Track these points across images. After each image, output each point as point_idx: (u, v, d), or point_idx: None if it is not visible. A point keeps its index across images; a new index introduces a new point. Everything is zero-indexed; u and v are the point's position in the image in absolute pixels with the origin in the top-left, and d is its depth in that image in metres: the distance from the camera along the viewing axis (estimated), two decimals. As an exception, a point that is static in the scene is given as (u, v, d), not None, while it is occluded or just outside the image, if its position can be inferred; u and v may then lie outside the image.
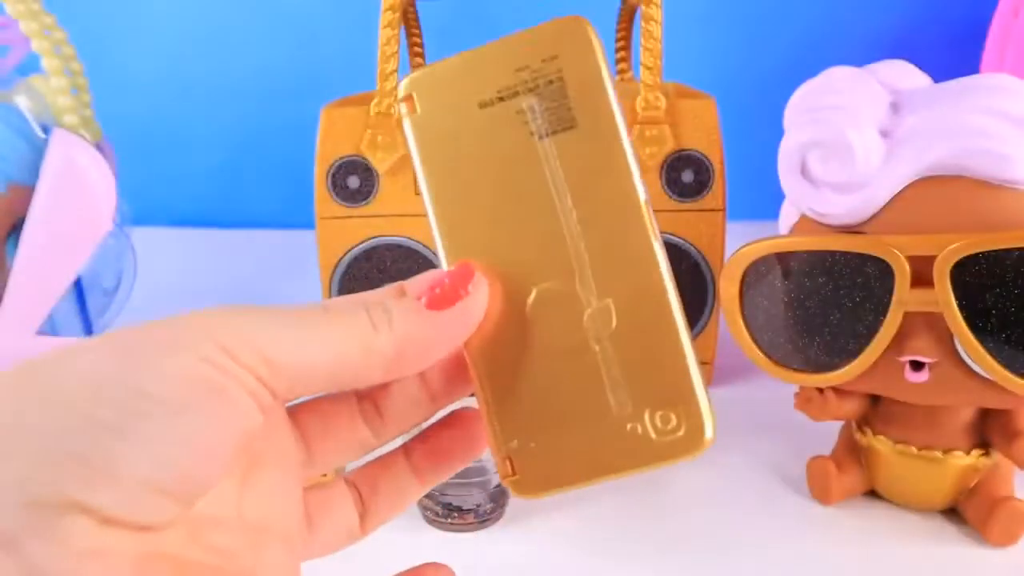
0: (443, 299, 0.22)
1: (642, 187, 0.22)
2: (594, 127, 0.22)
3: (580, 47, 0.22)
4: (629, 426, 0.21)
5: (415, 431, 0.26)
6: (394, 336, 0.21)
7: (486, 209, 0.23)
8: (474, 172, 0.22)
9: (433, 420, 0.26)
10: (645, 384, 0.21)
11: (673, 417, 0.21)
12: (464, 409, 0.25)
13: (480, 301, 0.22)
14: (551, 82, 0.22)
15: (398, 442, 0.26)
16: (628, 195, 0.22)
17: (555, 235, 0.22)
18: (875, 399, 0.44)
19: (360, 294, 0.22)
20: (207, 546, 0.20)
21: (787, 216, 0.46)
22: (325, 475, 0.25)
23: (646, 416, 0.21)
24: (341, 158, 0.56)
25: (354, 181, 0.56)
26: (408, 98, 0.22)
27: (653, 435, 0.21)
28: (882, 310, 0.40)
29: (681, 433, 0.21)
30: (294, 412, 0.24)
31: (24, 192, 0.52)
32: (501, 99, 0.22)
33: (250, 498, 0.21)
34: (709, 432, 0.21)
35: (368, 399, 0.24)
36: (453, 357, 0.23)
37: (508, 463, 0.22)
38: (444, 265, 0.23)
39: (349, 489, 0.25)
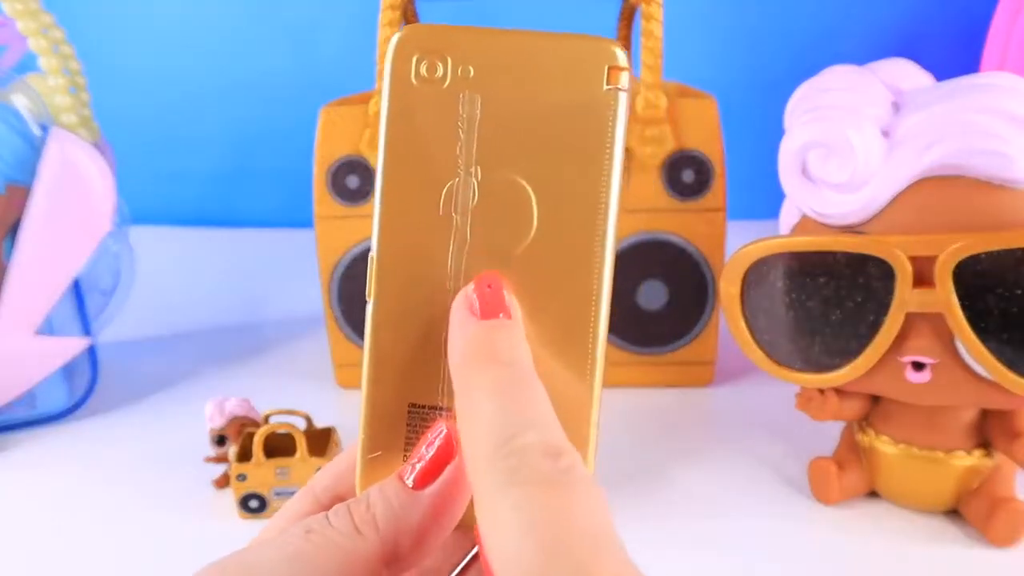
0: (426, 473, 0.20)
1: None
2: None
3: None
4: None
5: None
6: (380, 536, 0.19)
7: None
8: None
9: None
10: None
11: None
12: None
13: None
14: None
15: None
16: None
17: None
18: (876, 399, 0.44)
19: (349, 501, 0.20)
20: None
21: (788, 216, 0.46)
22: None
23: None
24: (340, 158, 0.56)
25: (353, 181, 0.56)
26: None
27: None
28: (883, 310, 0.40)
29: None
30: None
31: (22, 192, 0.52)
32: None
33: None
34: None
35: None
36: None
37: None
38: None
39: None
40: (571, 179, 0.19)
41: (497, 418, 0.18)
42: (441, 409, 0.20)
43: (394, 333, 0.20)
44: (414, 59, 0.19)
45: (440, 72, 0.19)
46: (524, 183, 0.19)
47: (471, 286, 0.20)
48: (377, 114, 0.54)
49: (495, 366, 0.19)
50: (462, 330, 0.20)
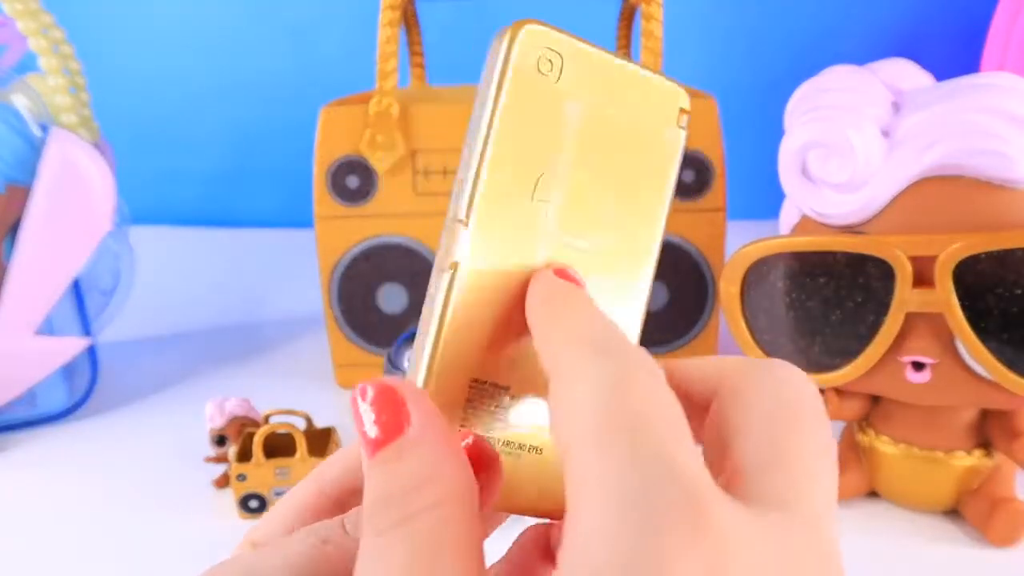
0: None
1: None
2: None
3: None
4: None
5: None
6: None
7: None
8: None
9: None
10: None
11: None
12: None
13: (495, 477, 0.18)
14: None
15: None
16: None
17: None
18: (876, 399, 0.44)
19: None
20: None
21: (788, 216, 0.46)
22: None
23: None
24: (340, 158, 0.56)
25: (353, 181, 0.56)
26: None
27: None
28: (883, 310, 0.40)
29: None
30: None
31: (22, 192, 0.52)
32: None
33: None
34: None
35: None
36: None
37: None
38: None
39: None
40: (638, 196, 0.22)
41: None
42: (502, 388, 0.20)
43: (472, 304, 0.20)
44: (538, 53, 0.20)
45: (554, 71, 0.20)
46: (602, 190, 0.21)
47: (550, 270, 0.20)
48: (379, 114, 0.54)
49: (583, 315, 0.18)
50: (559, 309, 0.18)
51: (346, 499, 0.20)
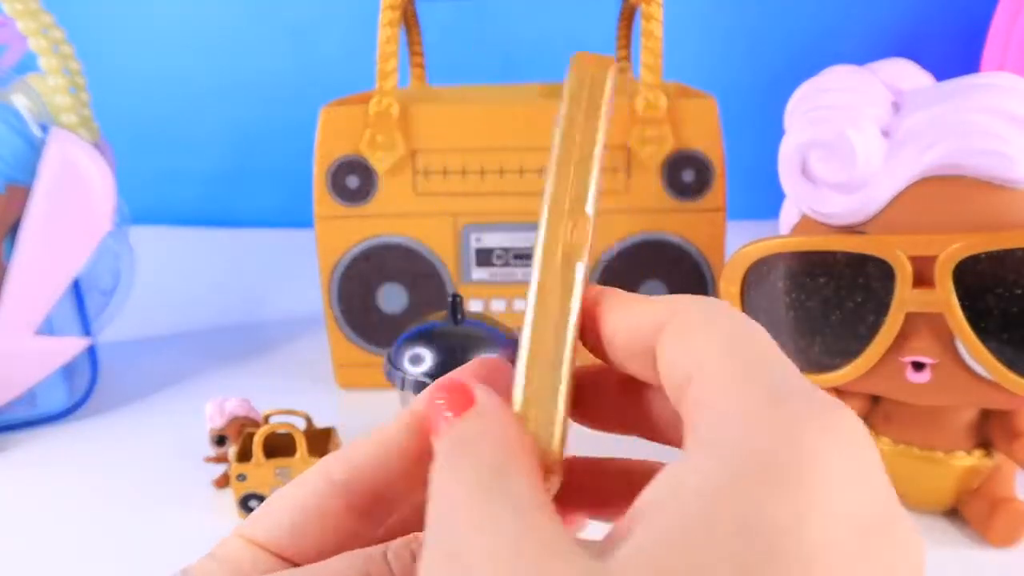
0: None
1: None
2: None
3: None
4: None
5: None
6: None
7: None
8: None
9: None
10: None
11: None
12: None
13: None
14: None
15: None
16: None
17: None
18: (876, 399, 0.44)
19: None
20: None
21: (788, 216, 0.46)
22: None
23: None
24: (340, 158, 0.56)
25: (353, 181, 0.56)
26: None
27: None
28: (883, 310, 0.40)
29: None
30: None
31: (22, 192, 0.52)
32: None
33: None
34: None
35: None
36: None
37: None
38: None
39: None
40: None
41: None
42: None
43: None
44: (612, 76, 0.21)
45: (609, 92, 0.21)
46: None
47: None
48: (379, 114, 0.54)
49: None
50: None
51: (355, 499, 0.19)
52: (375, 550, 0.18)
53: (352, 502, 0.19)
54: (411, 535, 0.19)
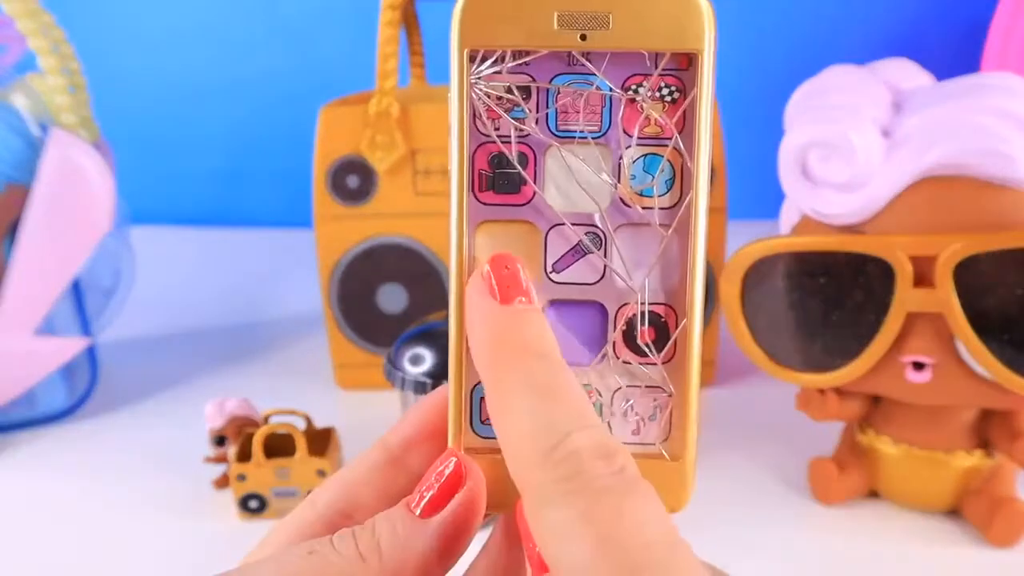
0: (435, 502, 0.19)
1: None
2: None
3: None
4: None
5: None
6: (383, 563, 0.18)
7: None
8: None
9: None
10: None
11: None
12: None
13: (477, 491, 0.19)
14: None
15: None
16: None
17: None
18: (876, 399, 0.44)
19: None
20: None
21: (788, 216, 0.46)
22: None
23: None
24: (340, 158, 0.56)
25: (353, 180, 0.56)
26: None
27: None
28: (883, 310, 0.40)
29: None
30: None
31: (22, 192, 0.51)
32: None
33: None
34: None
35: None
36: None
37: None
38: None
39: None
40: None
41: (541, 419, 0.17)
42: None
43: None
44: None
45: None
46: None
47: (486, 266, 0.19)
48: (379, 114, 0.54)
49: (528, 359, 0.18)
50: (484, 317, 0.19)
51: (337, 521, 0.20)
52: (324, 537, 0.19)
53: (333, 520, 0.21)
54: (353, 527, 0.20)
